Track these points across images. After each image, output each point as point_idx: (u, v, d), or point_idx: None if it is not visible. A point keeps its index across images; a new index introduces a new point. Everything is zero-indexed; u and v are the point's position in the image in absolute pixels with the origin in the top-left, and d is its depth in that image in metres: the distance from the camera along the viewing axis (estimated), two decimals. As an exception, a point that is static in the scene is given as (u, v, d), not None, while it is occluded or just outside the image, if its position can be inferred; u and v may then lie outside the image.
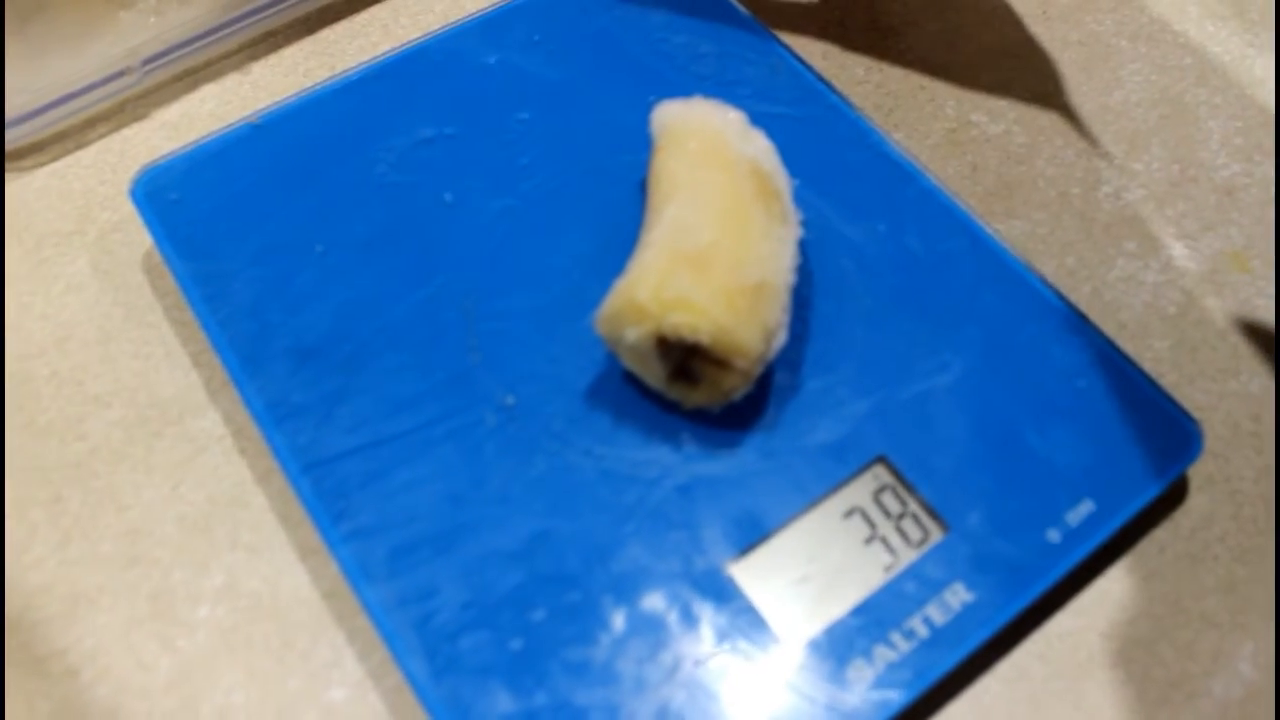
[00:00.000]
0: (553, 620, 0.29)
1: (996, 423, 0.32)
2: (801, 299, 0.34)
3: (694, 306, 0.29)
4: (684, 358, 0.31)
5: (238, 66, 0.42)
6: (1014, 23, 0.46)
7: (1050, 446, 0.32)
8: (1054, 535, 0.31)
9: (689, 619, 0.29)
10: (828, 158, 0.37)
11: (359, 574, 0.29)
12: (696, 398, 0.32)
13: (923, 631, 0.29)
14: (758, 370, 0.31)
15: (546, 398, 0.32)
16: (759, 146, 0.34)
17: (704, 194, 0.32)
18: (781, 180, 0.34)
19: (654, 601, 0.29)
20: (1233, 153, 0.42)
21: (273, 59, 0.42)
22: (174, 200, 0.35)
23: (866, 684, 0.29)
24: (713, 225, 0.31)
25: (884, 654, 0.29)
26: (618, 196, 0.36)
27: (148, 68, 0.39)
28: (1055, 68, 0.44)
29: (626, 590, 0.30)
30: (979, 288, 0.35)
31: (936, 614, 0.30)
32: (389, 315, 0.33)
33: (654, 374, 0.31)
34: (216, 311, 0.33)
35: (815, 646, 0.29)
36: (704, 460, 0.31)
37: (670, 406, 0.32)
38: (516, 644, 0.29)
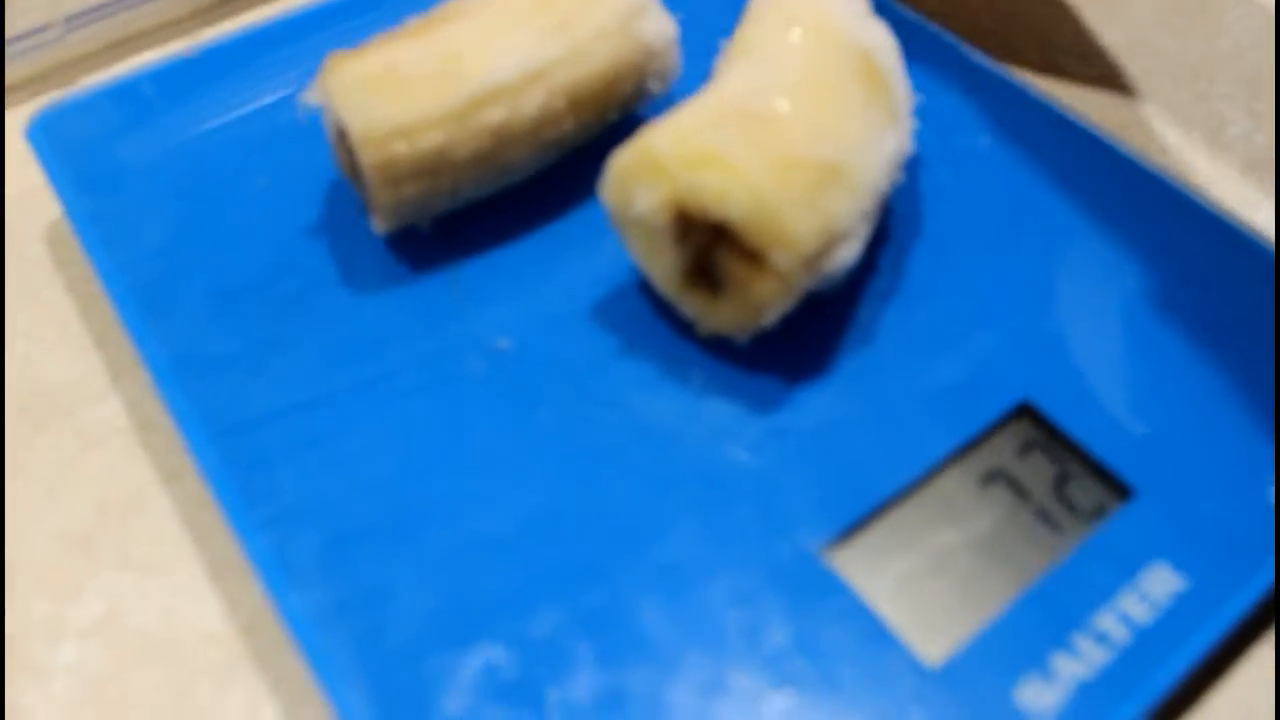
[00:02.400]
0: (566, 633, 0.19)
1: (1173, 353, 0.24)
2: (900, 220, 0.26)
3: (729, 165, 0.21)
4: (707, 248, 0.22)
5: (187, 33, 0.35)
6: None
7: (1250, 381, 0.23)
8: (1285, 496, 0.21)
9: (772, 628, 0.20)
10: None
11: (279, 574, 0.20)
12: (718, 315, 0.23)
13: (1120, 633, 0.20)
14: (803, 281, 0.22)
15: (554, 336, 0.23)
16: (878, 38, 0.25)
17: (788, 59, 0.23)
18: (898, 81, 0.25)
19: (718, 604, 0.20)
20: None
21: (227, 25, 0.36)
22: (80, 138, 0.28)
23: (1049, 712, 0.19)
24: (788, 91, 0.23)
25: (1068, 666, 0.19)
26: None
27: (73, 25, 0.33)
28: (1149, 17, 0.38)
29: (675, 589, 0.20)
30: (1117, 200, 0.27)
31: (1137, 608, 0.20)
32: (346, 245, 0.25)
33: (664, 270, 0.23)
34: (117, 252, 0.25)
35: (965, 661, 0.19)
36: (783, 410, 0.22)
37: (733, 343, 0.23)
38: (511, 670, 0.19)
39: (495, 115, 0.23)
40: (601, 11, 0.25)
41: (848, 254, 0.23)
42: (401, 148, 0.23)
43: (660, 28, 0.26)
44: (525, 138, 0.24)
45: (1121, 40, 0.37)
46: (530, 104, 0.23)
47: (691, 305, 0.23)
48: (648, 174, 0.22)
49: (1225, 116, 0.34)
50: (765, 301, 0.22)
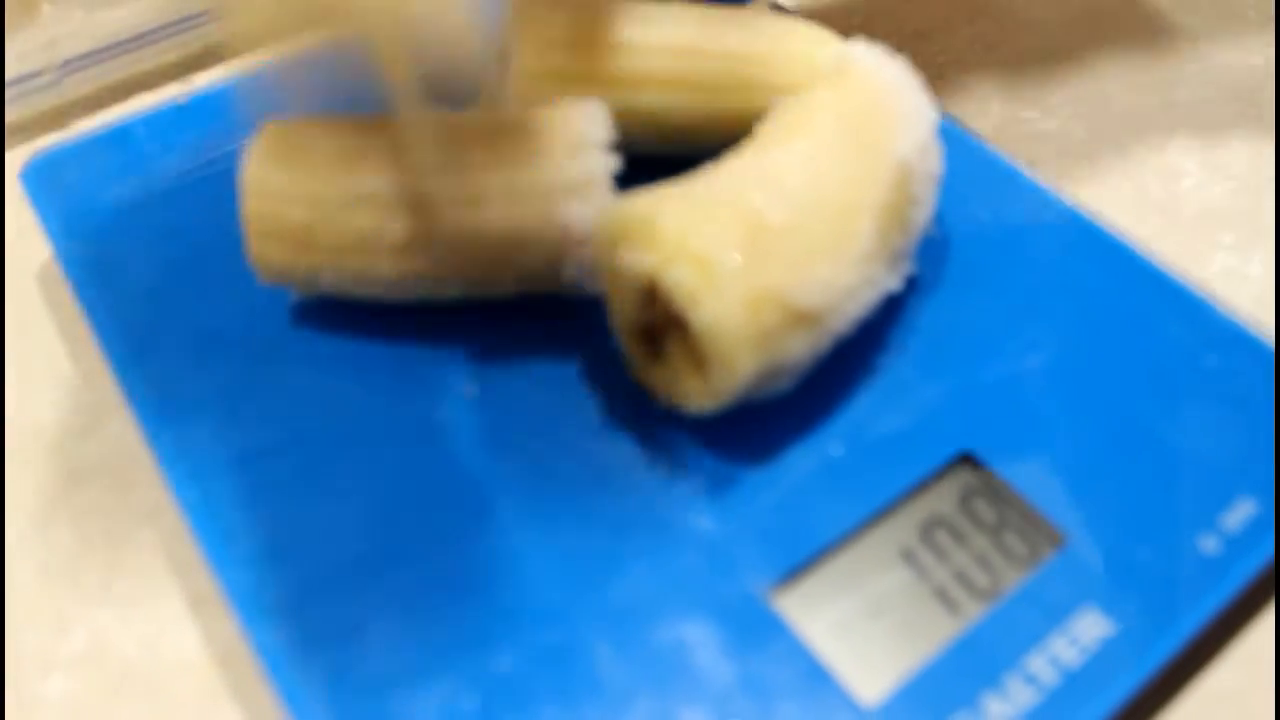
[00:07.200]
0: (523, 670, 0.21)
1: (1108, 407, 0.25)
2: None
3: (714, 277, 0.22)
4: (663, 324, 0.23)
5: (177, 77, 0.37)
6: (1055, 28, 0.41)
7: (1183, 433, 0.24)
8: (1209, 544, 0.23)
9: (717, 668, 0.21)
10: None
11: (253, 609, 0.21)
12: (649, 375, 0.24)
13: (1048, 675, 0.21)
14: (729, 398, 0.23)
15: (519, 384, 0.25)
16: (927, 169, 0.25)
17: (825, 165, 0.24)
18: (920, 216, 0.25)
19: (666, 644, 0.21)
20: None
21: (220, 70, 0.37)
22: (72, 182, 0.29)
23: (977, 750, 0.20)
24: (808, 203, 0.23)
25: (998, 706, 0.20)
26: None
27: (68, 69, 0.34)
28: (1107, 70, 0.39)
29: (626, 629, 0.21)
30: (1064, 258, 0.28)
31: (1066, 650, 0.21)
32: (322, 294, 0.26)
33: (620, 314, 0.24)
34: (105, 295, 0.26)
35: (900, 701, 0.20)
36: (735, 459, 0.24)
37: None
38: (471, 702, 0.20)
39: (362, 220, 0.23)
40: (530, 173, 0.24)
41: (782, 385, 0.23)
42: (272, 208, 0.24)
43: (587, 217, 0.23)
44: (389, 255, 0.24)
45: (1079, 93, 0.38)
46: (398, 226, 0.23)
47: (630, 352, 0.24)
48: (642, 240, 0.22)
49: (1180, 169, 0.36)
50: (688, 398, 0.23)
